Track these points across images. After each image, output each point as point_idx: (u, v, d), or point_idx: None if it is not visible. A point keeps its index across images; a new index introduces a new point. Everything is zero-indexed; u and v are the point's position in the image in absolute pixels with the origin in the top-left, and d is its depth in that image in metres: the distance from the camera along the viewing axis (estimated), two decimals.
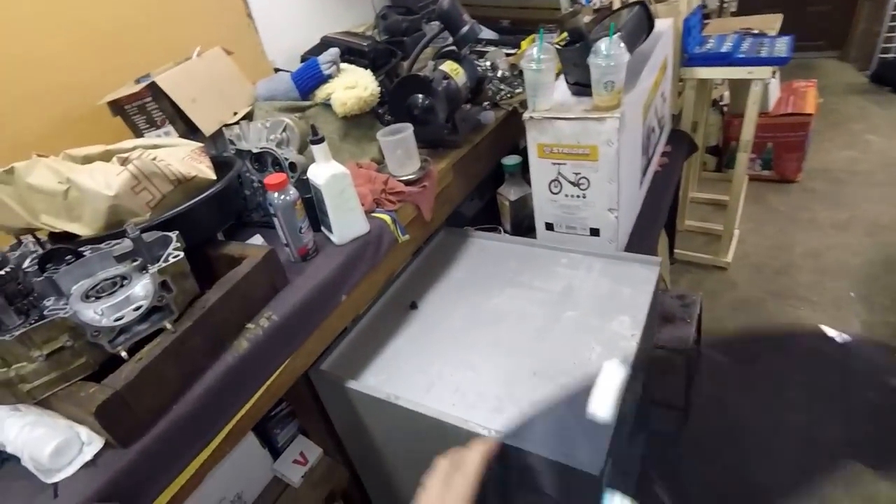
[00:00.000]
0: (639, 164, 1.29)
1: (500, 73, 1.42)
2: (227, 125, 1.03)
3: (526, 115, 1.08)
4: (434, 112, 1.12)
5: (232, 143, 1.00)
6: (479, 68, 1.31)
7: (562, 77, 1.17)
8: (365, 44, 1.35)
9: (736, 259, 2.38)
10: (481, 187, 1.42)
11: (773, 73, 1.79)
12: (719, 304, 2.18)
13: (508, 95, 1.41)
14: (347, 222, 0.91)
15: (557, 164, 1.11)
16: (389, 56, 1.40)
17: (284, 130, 0.98)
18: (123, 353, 0.62)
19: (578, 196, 1.13)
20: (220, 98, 1.07)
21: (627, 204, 1.20)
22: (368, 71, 1.19)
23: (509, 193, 1.34)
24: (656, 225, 1.39)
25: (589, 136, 1.03)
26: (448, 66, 1.16)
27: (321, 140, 0.86)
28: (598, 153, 1.05)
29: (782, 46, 1.80)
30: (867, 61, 4.07)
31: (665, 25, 1.45)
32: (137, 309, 0.63)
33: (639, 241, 1.29)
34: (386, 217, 0.97)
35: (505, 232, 1.41)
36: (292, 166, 0.97)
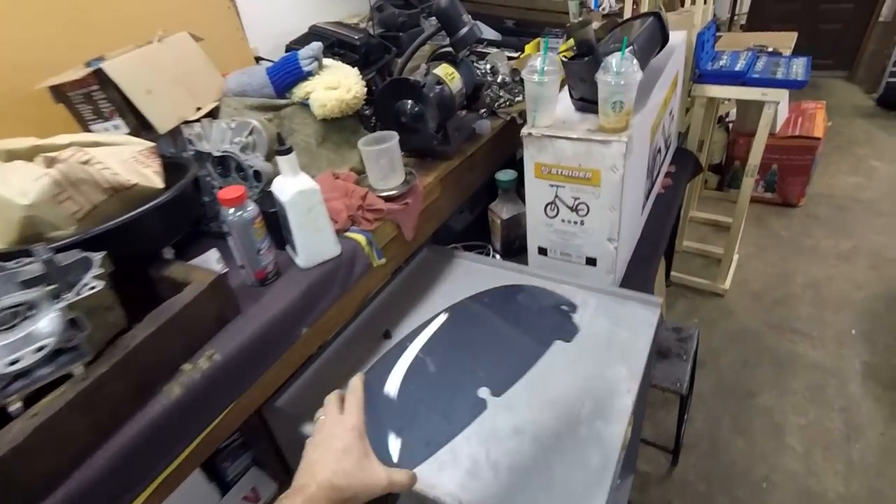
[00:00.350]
0: (643, 190, 1.19)
1: (500, 79, 1.31)
2: (187, 122, 0.91)
3: (524, 131, 0.97)
4: (424, 120, 1.01)
5: (191, 143, 0.88)
6: (477, 72, 1.20)
7: (566, 89, 1.06)
8: (357, 37, 1.23)
9: (734, 285, 2.29)
10: (474, 198, 1.31)
11: None
12: (715, 333, 2.08)
13: (507, 104, 1.30)
14: (315, 244, 0.80)
15: (555, 186, 1.01)
16: (383, 52, 1.29)
17: (251, 133, 0.87)
18: (17, 405, 0.51)
19: (576, 222, 1.03)
20: (182, 91, 0.94)
21: (628, 231, 1.10)
22: (355, 70, 1.07)
23: (501, 211, 1.23)
24: (657, 253, 1.29)
25: (592, 160, 0.93)
26: (442, 70, 1.05)
27: (288, 150, 0.74)
28: (600, 178, 0.94)
29: (799, 68, 1.70)
30: (875, 83, 4.01)
31: (678, 39, 1.35)
32: (39, 350, 0.52)
33: (637, 271, 1.18)
34: (361, 238, 0.86)
35: (494, 251, 1.30)
36: (257, 175, 0.85)
